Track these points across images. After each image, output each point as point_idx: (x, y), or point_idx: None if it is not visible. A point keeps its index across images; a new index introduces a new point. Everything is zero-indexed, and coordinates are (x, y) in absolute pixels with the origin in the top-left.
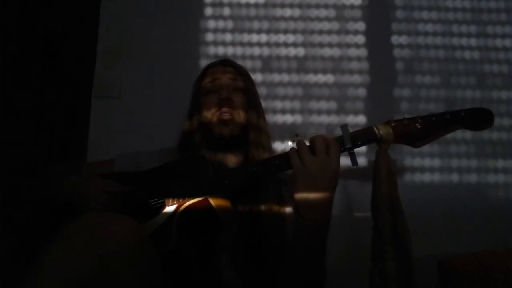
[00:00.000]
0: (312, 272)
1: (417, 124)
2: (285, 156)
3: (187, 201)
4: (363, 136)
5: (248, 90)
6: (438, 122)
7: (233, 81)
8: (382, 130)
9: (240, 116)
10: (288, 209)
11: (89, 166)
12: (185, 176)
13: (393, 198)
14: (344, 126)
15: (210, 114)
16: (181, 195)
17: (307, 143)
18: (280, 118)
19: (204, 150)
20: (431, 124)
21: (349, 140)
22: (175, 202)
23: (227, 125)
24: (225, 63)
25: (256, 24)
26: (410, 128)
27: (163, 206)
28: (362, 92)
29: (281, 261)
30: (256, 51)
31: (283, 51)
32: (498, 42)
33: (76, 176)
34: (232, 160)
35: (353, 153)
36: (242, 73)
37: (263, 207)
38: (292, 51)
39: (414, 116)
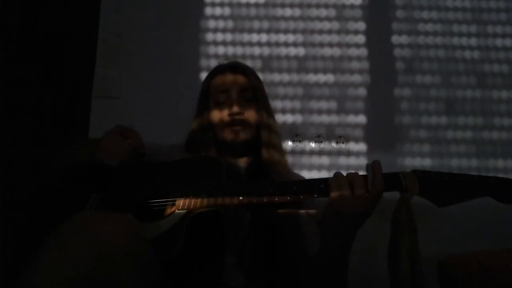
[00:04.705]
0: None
1: (444, 182)
2: (304, 185)
3: (200, 205)
4: (388, 182)
5: (257, 92)
6: (465, 184)
7: (243, 92)
8: (408, 180)
9: (251, 129)
10: (303, 212)
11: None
12: (198, 177)
13: (413, 250)
14: (369, 166)
15: (220, 122)
16: (193, 197)
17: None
18: (280, 118)
19: (213, 151)
20: (458, 184)
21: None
22: (185, 206)
23: (238, 137)
24: (236, 69)
25: (256, 24)
26: (437, 184)
27: (174, 206)
28: (362, 92)
29: (294, 265)
30: (256, 51)
31: (283, 51)
32: (498, 42)
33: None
34: (242, 162)
35: None
36: (252, 79)
37: (277, 210)
38: (292, 51)
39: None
